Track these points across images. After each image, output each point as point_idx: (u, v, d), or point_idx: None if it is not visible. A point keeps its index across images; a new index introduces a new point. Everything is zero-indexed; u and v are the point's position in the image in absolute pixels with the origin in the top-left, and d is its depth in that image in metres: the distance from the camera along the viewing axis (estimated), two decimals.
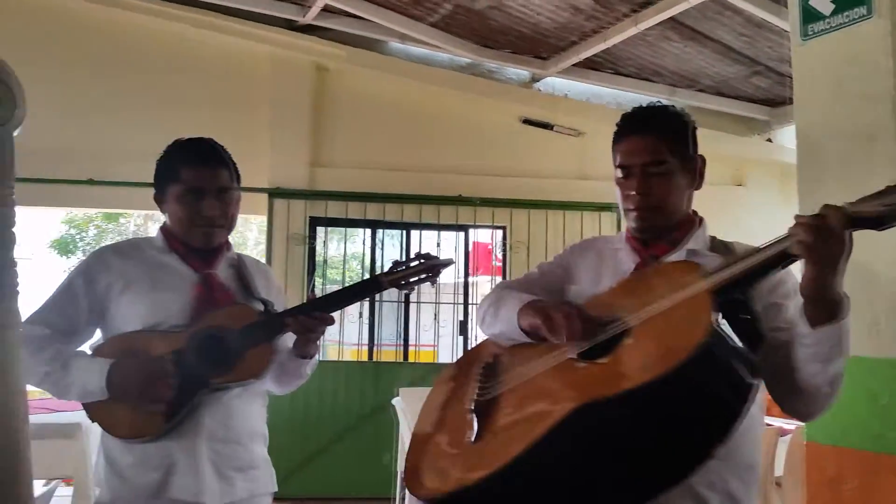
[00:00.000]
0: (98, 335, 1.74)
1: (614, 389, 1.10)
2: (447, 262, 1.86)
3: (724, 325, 1.13)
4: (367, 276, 5.95)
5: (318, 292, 5.58)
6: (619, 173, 1.46)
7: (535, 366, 1.30)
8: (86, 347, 1.72)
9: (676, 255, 1.42)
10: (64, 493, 3.53)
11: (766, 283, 1.25)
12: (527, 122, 6.00)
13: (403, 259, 1.82)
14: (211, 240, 1.74)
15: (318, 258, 5.74)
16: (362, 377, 5.39)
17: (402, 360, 5.86)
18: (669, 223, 1.44)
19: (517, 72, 6.00)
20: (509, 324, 1.41)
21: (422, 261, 1.80)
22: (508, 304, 1.44)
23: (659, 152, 1.40)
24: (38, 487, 3.66)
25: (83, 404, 1.65)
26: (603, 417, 1.10)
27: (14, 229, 0.95)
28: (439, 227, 5.81)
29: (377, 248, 5.84)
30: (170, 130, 5.61)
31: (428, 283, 1.84)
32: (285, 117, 5.58)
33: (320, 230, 5.72)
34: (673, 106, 1.49)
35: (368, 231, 5.81)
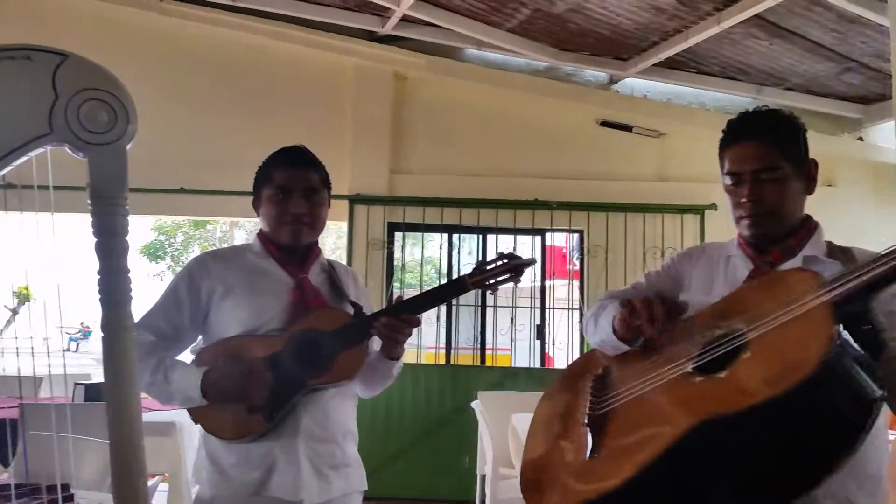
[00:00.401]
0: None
1: (736, 406, 1.08)
2: (530, 262, 1.86)
3: (846, 336, 1.10)
4: (443, 280, 6.01)
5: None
6: (728, 180, 1.44)
7: (649, 380, 1.29)
8: (187, 353, 1.81)
9: (792, 263, 1.39)
10: (160, 488, 3.70)
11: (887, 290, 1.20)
12: (605, 124, 5.92)
13: (486, 260, 1.83)
14: (298, 237, 1.80)
15: (396, 263, 5.83)
16: (440, 380, 5.43)
17: (479, 363, 5.88)
18: (783, 229, 1.42)
19: (595, 74, 5.94)
20: (607, 332, 1.42)
21: (505, 260, 1.80)
22: (607, 312, 1.44)
23: (771, 158, 1.38)
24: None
25: (188, 410, 1.73)
26: (724, 434, 1.09)
27: (127, 238, 1.02)
28: (515, 231, 5.80)
29: (453, 252, 5.89)
30: (256, 141, 5.86)
31: (512, 283, 1.84)
32: (366, 126, 5.70)
33: (398, 235, 5.82)
34: (782, 109, 1.46)
35: (445, 236, 5.86)
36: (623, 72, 5.71)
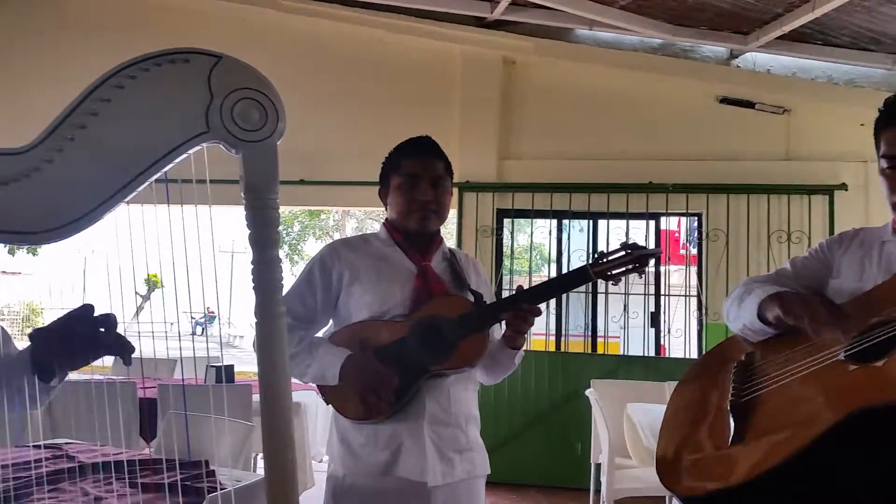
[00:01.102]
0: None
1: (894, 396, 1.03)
2: (655, 253, 1.82)
3: None
4: (552, 267, 5.96)
5: (506, 284, 5.73)
6: (885, 163, 1.35)
7: (799, 367, 1.25)
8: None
9: None
10: None
11: None
12: (725, 101, 5.66)
13: (609, 250, 1.81)
14: (426, 224, 1.84)
15: (505, 250, 5.83)
16: (551, 367, 5.40)
17: (590, 351, 5.80)
18: None
19: (714, 49, 5.69)
20: (752, 316, 1.38)
21: (629, 251, 1.77)
22: (753, 295, 1.39)
23: None
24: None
25: (319, 388, 1.81)
26: (882, 424, 1.04)
27: (279, 229, 1.06)
28: (628, 216, 5.66)
29: (563, 238, 5.82)
30: (368, 132, 6.00)
31: (636, 274, 1.81)
32: (475, 112, 5.71)
33: (507, 222, 5.81)
34: None
35: (554, 221, 5.80)
36: (744, 46, 5.43)
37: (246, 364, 6.05)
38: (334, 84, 5.87)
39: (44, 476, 2.06)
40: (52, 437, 2.97)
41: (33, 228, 0.91)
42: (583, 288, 5.68)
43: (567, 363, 5.48)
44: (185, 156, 0.99)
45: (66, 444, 2.60)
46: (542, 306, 1.81)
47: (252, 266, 1.02)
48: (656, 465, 1.38)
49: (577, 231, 5.85)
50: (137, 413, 3.68)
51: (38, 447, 2.51)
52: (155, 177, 0.96)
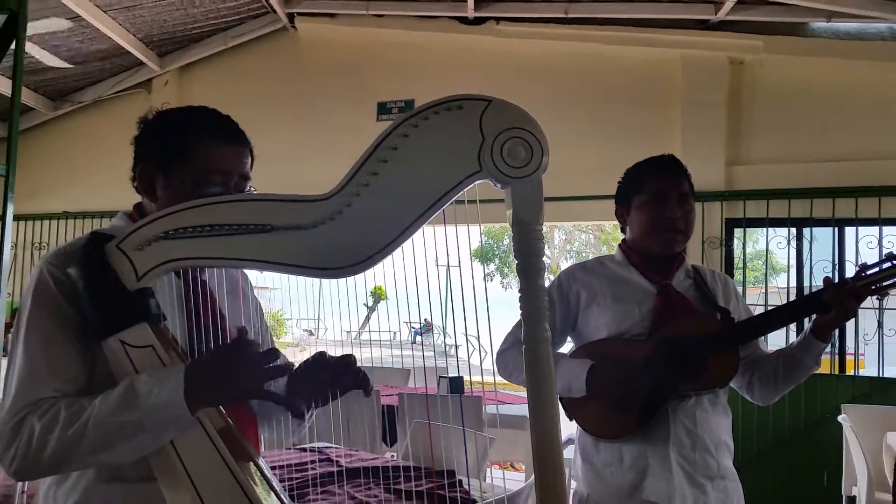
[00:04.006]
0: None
1: None
2: None
3: None
4: (792, 280, 5.50)
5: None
6: None
7: None
8: None
9: None
10: (514, 477, 3.99)
11: None
12: None
13: (872, 262, 1.67)
14: (671, 245, 1.82)
15: (736, 262, 5.49)
16: (793, 390, 4.94)
17: (837, 372, 5.27)
18: None
19: None
20: None
21: (894, 262, 1.63)
22: None
23: None
24: (495, 471, 4.17)
25: (562, 402, 1.84)
26: None
27: (544, 258, 1.12)
28: (881, 222, 5.07)
29: (803, 248, 5.35)
30: (581, 147, 5.95)
31: None
32: (698, 118, 5.46)
33: (738, 231, 5.47)
34: None
35: (793, 230, 5.36)
36: None
37: (465, 373, 6.26)
38: (548, 102, 5.92)
39: (316, 478, 2.30)
40: (312, 441, 3.29)
41: (335, 265, 1.05)
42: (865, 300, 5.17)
43: (811, 385, 5.02)
44: (460, 194, 1.08)
45: (326, 447, 2.88)
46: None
47: (520, 295, 1.08)
48: None
49: (814, 241, 5.35)
50: (381, 419, 3.98)
51: (304, 450, 2.81)
52: (434, 215, 1.06)
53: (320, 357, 1.21)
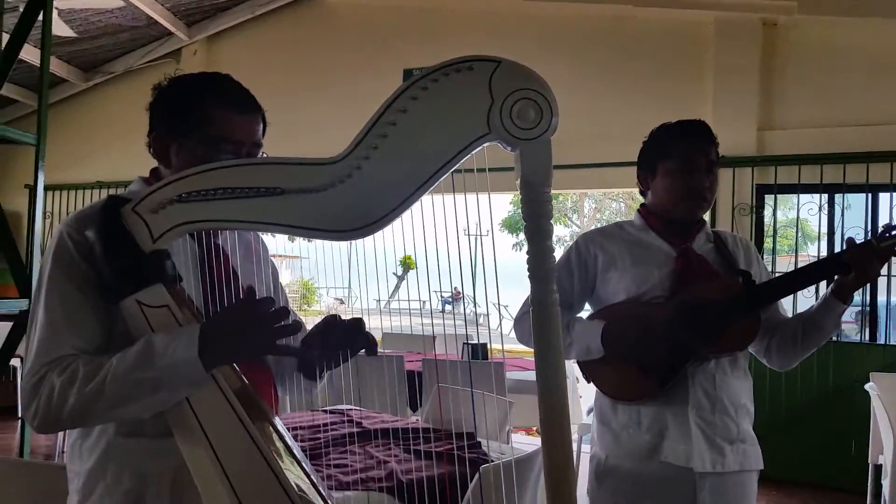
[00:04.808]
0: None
1: None
2: None
3: None
4: (822, 246, 5.41)
5: (767, 265, 5.31)
6: None
7: None
8: None
9: None
10: (537, 442, 4.02)
11: None
12: None
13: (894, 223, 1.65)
14: (696, 211, 1.81)
15: (767, 228, 5.41)
16: (820, 357, 4.92)
17: (867, 340, 5.19)
18: None
19: None
20: None
21: None
22: None
23: None
24: (519, 436, 4.22)
25: (581, 365, 1.85)
26: None
27: (552, 221, 1.12)
28: None
29: (836, 214, 5.25)
30: (609, 113, 5.87)
31: None
32: (730, 82, 5.35)
33: (768, 198, 5.38)
34: None
35: (825, 196, 5.25)
36: None
37: (492, 341, 6.29)
38: (575, 66, 5.83)
39: (334, 438, 2.35)
40: (336, 404, 3.36)
41: (345, 227, 1.06)
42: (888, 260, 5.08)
43: (840, 353, 4.96)
44: (469, 156, 1.08)
45: (350, 409, 2.94)
46: (812, 289, 1.70)
47: (528, 256, 1.08)
48: None
49: (847, 207, 5.23)
50: (406, 384, 4.03)
51: (326, 412, 2.87)
52: (444, 177, 1.07)
53: (331, 320, 1.24)
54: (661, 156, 1.82)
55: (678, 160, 1.78)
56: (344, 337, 1.22)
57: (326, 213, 1.05)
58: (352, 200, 1.05)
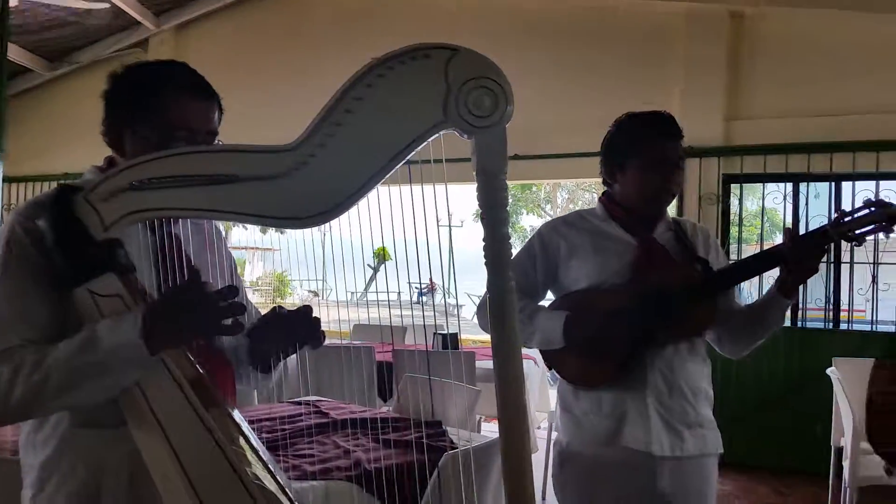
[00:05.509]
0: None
1: None
2: None
3: None
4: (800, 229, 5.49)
5: (734, 255, 5.40)
6: None
7: None
8: None
9: None
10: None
11: None
12: None
13: (850, 209, 1.67)
14: (663, 208, 1.85)
15: (732, 218, 5.49)
16: (787, 343, 5.02)
17: (831, 326, 5.30)
18: None
19: None
20: None
21: (872, 209, 1.64)
22: None
23: None
24: (491, 425, 4.24)
25: (541, 352, 1.87)
26: None
27: (507, 209, 1.12)
28: (878, 177, 5.04)
29: (800, 203, 5.34)
30: (580, 103, 5.86)
31: (882, 233, 1.67)
32: (697, 73, 5.40)
33: (734, 187, 5.46)
34: None
35: (790, 186, 5.34)
36: None
37: (466, 332, 6.30)
38: (544, 56, 5.84)
39: (300, 429, 2.35)
40: (306, 395, 3.36)
41: (301, 214, 1.05)
42: (826, 257, 5.20)
43: (805, 339, 5.06)
44: (425, 143, 1.08)
45: (319, 401, 2.94)
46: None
47: (484, 243, 1.09)
48: None
49: (814, 197, 5.33)
50: (375, 375, 4.04)
51: (298, 403, 2.86)
52: (401, 164, 1.07)
53: (278, 310, 1.24)
54: (631, 153, 1.81)
55: (651, 160, 1.78)
56: (289, 328, 1.21)
57: (282, 200, 1.04)
58: (307, 188, 1.04)
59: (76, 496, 1.11)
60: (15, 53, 6.60)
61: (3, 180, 3.44)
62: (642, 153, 1.79)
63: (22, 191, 7.21)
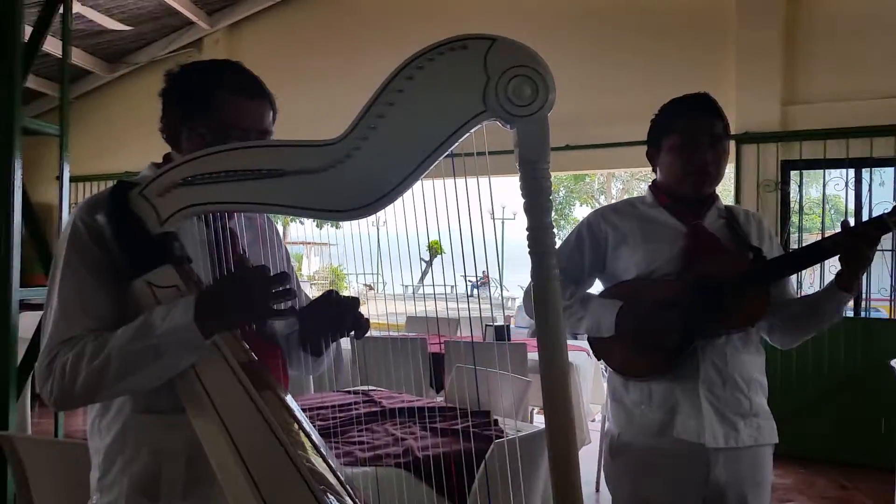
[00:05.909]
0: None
1: None
2: None
3: None
4: (852, 223, 5.31)
5: (795, 243, 5.25)
6: None
7: None
8: None
9: None
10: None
11: None
12: None
13: None
14: (701, 188, 1.80)
15: (792, 205, 5.33)
16: (848, 335, 4.86)
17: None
18: None
19: None
20: None
21: None
22: None
23: None
24: (540, 417, 4.24)
25: (591, 343, 1.86)
26: None
27: (550, 197, 1.12)
28: None
29: (862, 189, 5.15)
30: (633, 90, 5.79)
31: None
32: (752, 56, 5.26)
33: (794, 174, 5.30)
34: None
35: (851, 171, 5.16)
36: None
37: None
38: (596, 44, 5.78)
39: (354, 417, 2.40)
40: (361, 385, 3.41)
41: (346, 207, 1.08)
42: (888, 244, 5.02)
43: (869, 330, 4.89)
44: (467, 135, 1.09)
45: (372, 390, 2.98)
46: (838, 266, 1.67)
47: (527, 232, 1.10)
48: None
49: (878, 185, 5.13)
50: (428, 366, 4.07)
51: (350, 392, 2.92)
52: (444, 155, 1.08)
53: (328, 295, 1.26)
54: (664, 132, 1.81)
55: (679, 136, 1.77)
56: (336, 313, 1.24)
57: (326, 193, 1.07)
58: (351, 181, 1.07)
59: (138, 479, 1.16)
60: (76, 57, 6.87)
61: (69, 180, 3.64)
62: (672, 131, 1.78)
63: (86, 190, 7.49)
